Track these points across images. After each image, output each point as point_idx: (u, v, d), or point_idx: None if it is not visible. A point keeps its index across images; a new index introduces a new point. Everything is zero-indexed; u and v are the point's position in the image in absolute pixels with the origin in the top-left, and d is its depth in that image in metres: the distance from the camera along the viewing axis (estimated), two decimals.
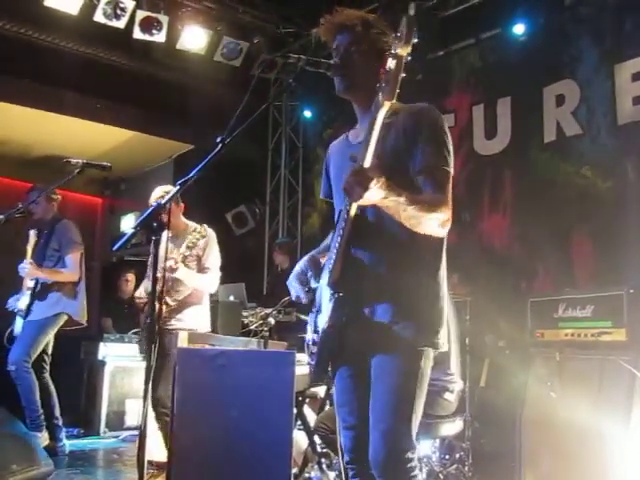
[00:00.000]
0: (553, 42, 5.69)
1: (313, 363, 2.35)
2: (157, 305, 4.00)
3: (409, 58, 2.00)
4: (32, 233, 5.20)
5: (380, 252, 2.25)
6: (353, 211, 2.17)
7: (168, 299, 4.33)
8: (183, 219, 4.63)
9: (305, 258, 2.59)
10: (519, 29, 5.87)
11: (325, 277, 2.32)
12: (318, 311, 2.38)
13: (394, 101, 2.04)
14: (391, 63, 1.99)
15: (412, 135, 2.25)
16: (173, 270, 4.10)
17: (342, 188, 2.05)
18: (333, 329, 2.24)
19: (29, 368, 5.04)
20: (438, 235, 2.23)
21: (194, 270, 4.37)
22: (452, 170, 2.26)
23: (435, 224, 2.17)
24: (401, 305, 2.22)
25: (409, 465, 2.19)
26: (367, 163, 2.05)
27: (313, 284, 2.47)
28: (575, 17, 5.61)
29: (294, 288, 2.54)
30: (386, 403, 2.20)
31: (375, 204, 2.09)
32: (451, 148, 2.28)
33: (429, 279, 2.28)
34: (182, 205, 4.59)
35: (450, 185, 2.24)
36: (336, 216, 2.44)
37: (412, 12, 2.03)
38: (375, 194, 2.01)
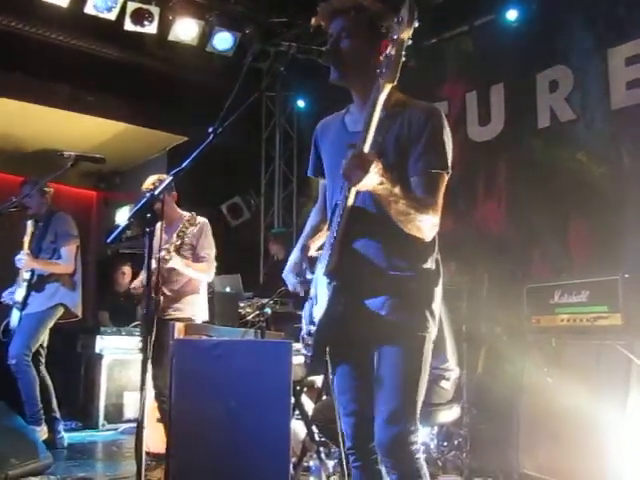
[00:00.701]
0: (546, 28, 5.67)
1: (309, 354, 2.35)
2: (154, 295, 4.03)
3: (410, 42, 2.00)
4: (29, 224, 5.22)
5: (377, 242, 2.26)
6: (351, 200, 2.16)
7: (164, 289, 4.33)
8: (177, 209, 4.62)
9: (298, 248, 2.59)
10: (512, 15, 5.85)
11: (321, 267, 2.32)
12: (313, 302, 2.38)
13: (395, 83, 2.04)
14: (391, 48, 1.99)
15: (416, 134, 2.23)
16: (166, 261, 4.10)
17: (341, 172, 2.04)
18: (330, 319, 2.24)
19: (29, 361, 5.06)
20: (423, 237, 2.22)
21: (189, 259, 4.37)
22: (449, 172, 2.25)
23: (422, 226, 2.17)
24: (400, 295, 2.24)
25: (414, 447, 2.23)
26: (367, 147, 2.06)
27: (308, 275, 2.46)
28: (568, 2, 5.59)
29: (290, 280, 2.54)
30: (392, 387, 2.22)
31: (370, 191, 2.09)
32: (450, 152, 2.26)
33: (426, 267, 2.29)
34: (175, 194, 4.58)
35: (442, 188, 2.24)
36: (328, 201, 2.44)
37: None
38: (373, 178, 2.02)
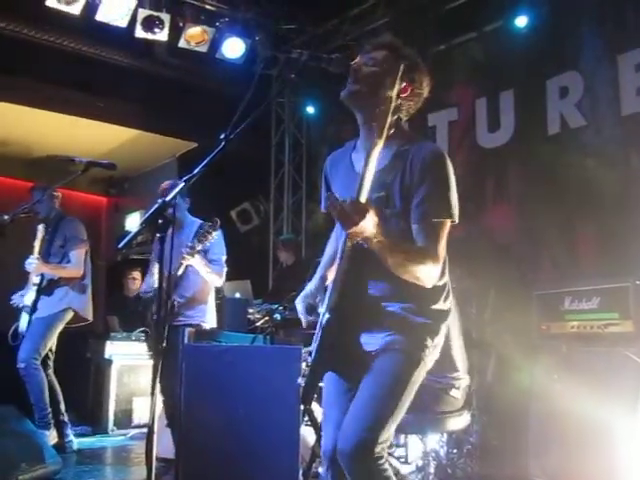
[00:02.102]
0: (555, 34, 5.67)
1: (302, 385, 2.29)
2: (168, 301, 4.05)
3: (399, 101, 2.22)
4: (40, 228, 5.23)
5: (380, 282, 2.24)
6: (349, 242, 2.16)
7: (175, 295, 4.35)
8: (188, 215, 4.66)
9: (317, 278, 2.58)
10: (521, 21, 5.84)
11: (324, 304, 2.32)
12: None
13: (383, 137, 2.14)
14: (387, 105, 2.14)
15: (418, 179, 2.21)
16: (186, 259, 4.12)
17: (335, 217, 2.06)
18: (321, 353, 2.21)
19: (38, 365, 5.07)
20: (424, 285, 2.19)
21: (202, 260, 4.39)
22: (454, 219, 2.23)
23: (420, 276, 2.15)
24: (403, 333, 2.21)
25: (378, 459, 2.11)
26: (363, 198, 2.08)
27: (320, 308, 2.44)
28: (577, 9, 5.59)
29: (298, 308, 2.53)
30: (363, 403, 2.17)
31: (365, 240, 2.08)
32: (455, 198, 2.24)
33: (436, 308, 2.27)
34: (187, 200, 4.62)
35: (444, 236, 2.21)
36: (337, 236, 2.46)
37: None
38: (368, 227, 2.02)
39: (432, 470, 3.80)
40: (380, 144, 2.11)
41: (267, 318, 4.80)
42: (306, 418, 3.92)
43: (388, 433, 2.14)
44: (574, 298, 3.94)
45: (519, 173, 5.90)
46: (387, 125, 2.15)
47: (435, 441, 3.95)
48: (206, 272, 4.41)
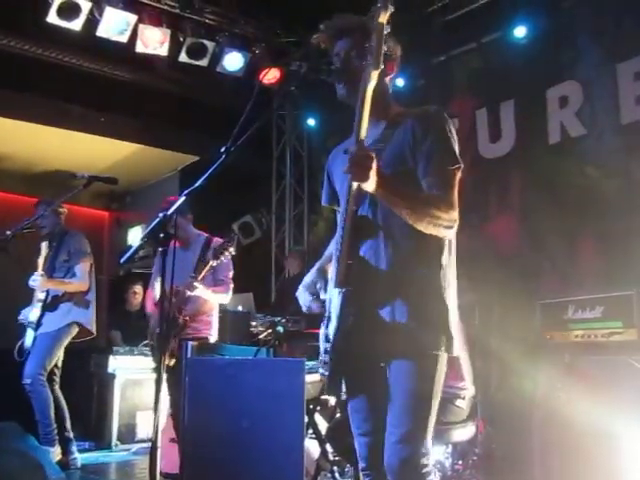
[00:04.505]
0: (554, 44, 5.69)
1: (327, 374, 2.29)
2: (178, 316, 4.06)
3: (389, 29, 2.07)
4: (44, 245, 5.23)
5: (383, 250, 2.24)
6: (353, 207, 2.16)
7: (184, 311, 4.36)
8: (193, 229, 4.67)
9: (314, 270, 2.59)
10: (520, 32, 5.85)
11: (332, 283, 2.31)
12: (329, 321, 2.34)
13: (379, 70, 2.07)
14: (373, 33, 2.05)
15: (421, 137, 2.24)
16: (193, 289, 4.14)
17: (345, 170, 2.03)
18: (342, 331, 2.20)
19: (44, 381, 5.06)
20: (441, 235, 2.21)
21: (209, 277, 4.39)
22: (460, 166, 2.25)
23: (438, 222, 2.16)
24: (411, 306, 2.20)
25: (424, 471, 2.18)
26: (363, 134, 2.07)
27: (323, 295, 2.45)
28: (575, 18, 5.61)
29: (304, 299, 2.52)
30: (404, 407, 2.18)
31: (375, 190, 2.06)
32: (456, 146, 2.27)
33: (435, 277, 2.26)
34: (190, 216, 4.63)
35: (455, 184, 2.23)
36: (339, 218, 2.45)
37: None
38: (378, 174, 2.01)
39: None
40: (375, 76, 2.09)
41: (270, 331, 4.79)
42: (310, 431, 3.90)
43: (429, 438, 2.19)
44: (577, 307, 3.93)
45: (521, 183, 5.90)
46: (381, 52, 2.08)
47: (440, 453, 3.93)
48: (212, 295, 4.44)
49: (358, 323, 2.20)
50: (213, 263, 4.15)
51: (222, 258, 4.16)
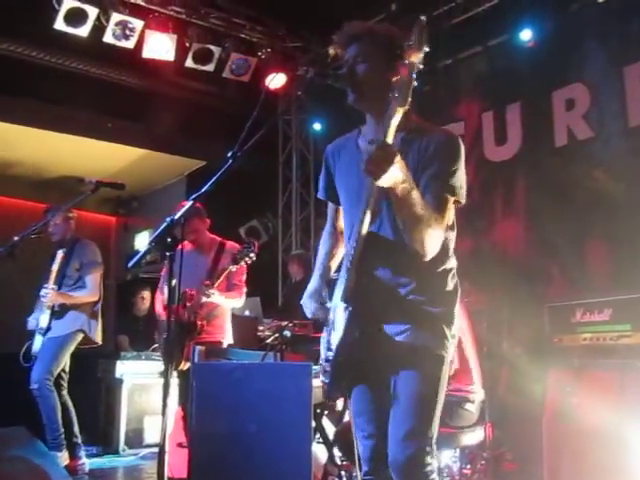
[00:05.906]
0: (561, 47, 5.68)
1: (327, 381, 2.33)
2: (195, 321, 4.07)
3: (421, 66, 2.01)
4: (59, 253, 5.23)
5: (394, 267, 2.25)
6: (366, 224, 2.16)
7: (197, 313, 4.38)
8: (207, 234, 4.70)
9: (316, 276, 2.59)
10: (526, 35, 5.85)
11: (338, 293, 2.32)
12: (332, 329, 2.35)
13: (406, 107, 2.04)
14: (403, 71, 2.00)
15: (432, 156, 2.24)
16: (208, 296, 4.15)
17: (363, 167, 2.00)
18: (346, 344, 2.22)
19: (51, 386, 5.06)
20: (424, 253, 2.18)
21: (224, 282, 4.41)
22: (460, 201, 2.27)
23: (428, 238, 2.14)
24: (420, 321, 2.23)
25: (429, 468, 2.19)
26: (390, 139, 2.04)
27: (328, 303, 2.45)
28: (582, 21, 5.60)
29: (309, 307, 2.53)
30: (408, 407, 2.20)
31: (390, 188, 2.05)
32: (464, 182, 2.27)
33: (446, 290, 2.30)
34: (208, 221, 4.66)
35: (449, 213, 2.24)
36: (347, 224, 2.44)
37: (424, 19, 2.03)
38: (396, 172, 1.99)
39: None
40: (400, 112, 2.04)
41: (277, 335, 4.79)
42: (317, 435, 3.89)
43: (434, 436, 2.21)
44: (586, 310, 3.91)
45: (527, 186, 5.89)
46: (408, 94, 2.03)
47: (448, 457, 3.92)
48: (226, 300, 4.46)
49: (363, 337, 2.21)
50: (232, 268, 4.17)
51: (242, 264, 4.18)
